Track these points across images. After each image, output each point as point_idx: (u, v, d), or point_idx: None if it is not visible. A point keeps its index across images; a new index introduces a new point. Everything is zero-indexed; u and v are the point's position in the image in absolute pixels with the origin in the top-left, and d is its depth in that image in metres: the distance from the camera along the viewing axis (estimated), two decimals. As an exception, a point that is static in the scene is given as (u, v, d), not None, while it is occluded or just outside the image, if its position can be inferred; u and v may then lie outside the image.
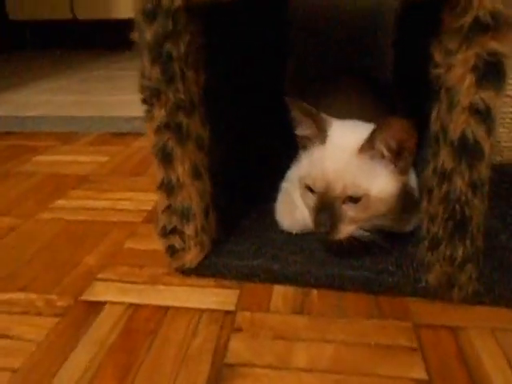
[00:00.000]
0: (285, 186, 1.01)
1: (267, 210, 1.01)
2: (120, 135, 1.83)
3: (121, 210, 1.20)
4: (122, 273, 0.92)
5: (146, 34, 0.73)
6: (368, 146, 0.77)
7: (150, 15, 0.72)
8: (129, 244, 1.04)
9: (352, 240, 0.80)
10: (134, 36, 0.75)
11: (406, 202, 0.82)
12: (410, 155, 0.76)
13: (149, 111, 0.78)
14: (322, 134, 0.80)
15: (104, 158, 1.60)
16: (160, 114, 0.76)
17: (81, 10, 3.87)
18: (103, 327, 0.74)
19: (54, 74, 3.10)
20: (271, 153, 1.24)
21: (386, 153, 0.76)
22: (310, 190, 0.80)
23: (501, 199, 1.03)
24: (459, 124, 0.65)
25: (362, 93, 1.10)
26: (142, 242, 1.04)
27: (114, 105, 2.29)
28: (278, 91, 1.41)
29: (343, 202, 0.77)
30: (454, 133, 0.68)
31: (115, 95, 2.51)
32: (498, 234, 0.91)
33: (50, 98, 2.50)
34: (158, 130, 0.79)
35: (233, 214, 1.01)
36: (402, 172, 0.78)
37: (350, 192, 0.76)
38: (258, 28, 1.30)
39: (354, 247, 0.82)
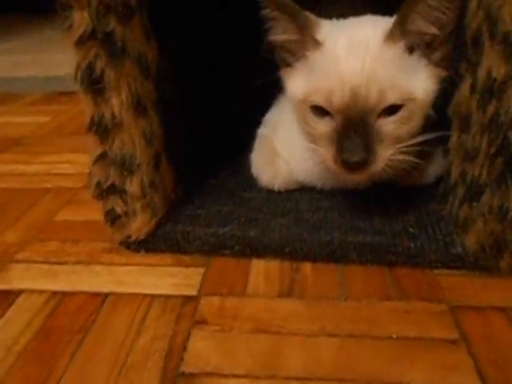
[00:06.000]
0: (262, 131, 0.81)
1: (242, 164, 0.82)
2: (68, 94, 1.66)
3: (58, 175, 1.02)
4: (50, 251, 0.73)
5: None
6: (398, 31, 0.57)
7: None
8: (63, 215, 0.85)
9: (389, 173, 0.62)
10: None
11: (425, 128, 0.62)
12: (449, 36, 0.57)
13: (67, 17, 0.58)
14: (311, 35, 0.59)
15: (45, 118, 1.43)
16: (81, 18, 0.58)
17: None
18: (13, 325, 0.59)
19: (5, 36, 2.94)
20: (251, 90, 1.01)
21: (425, 29, 0.56)
22: (320, 113, 0.60)
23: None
24: (517, 8, 0.49)
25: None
26: (80, 211, 0.85)
27: (64, 63, 2.09)
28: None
29: (378, 116, 0.57)
30: (510, 21, 0.49)
31: (66, 53, 2.31)
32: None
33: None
34: (81, 43, 0.59)
35: (197, 168, 0.81)
36: (440, 64, 0.60)
37: (390, 98, 0.56)
38: None
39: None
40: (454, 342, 0.51)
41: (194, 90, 0.85)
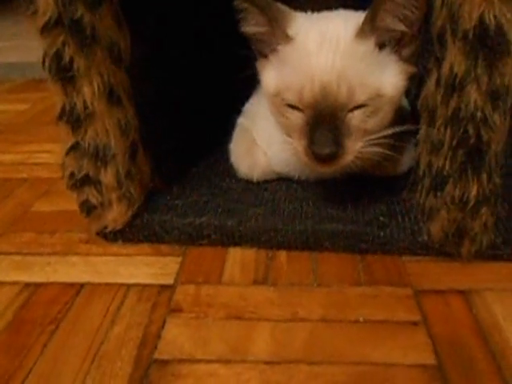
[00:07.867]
0: (241, 121, 0.82)
1: (221, 155, 0.83)
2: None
3: (35, 165, 1.01)
4: (24, 242, 0.73)
5: None
6: (369, 28, 0.58)
7: None
8: (39, 206, 0.85)
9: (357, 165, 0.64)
10: None
11: (397, 121, 0.64)
12: (417, 32, 0.59)
13: (31, 1, 0.56)
14: (282, 29, 0.60)
15: (24, 106, 1.40)
16: (46, 4, 0.56)
17: None
18: (-16, 318, 0.58)
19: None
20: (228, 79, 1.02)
21: (394, 26, 0.58)
22: (292, 106, 0.61)
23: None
24: (476, 5, 0.50)
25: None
26: (57, 202, 0.85)
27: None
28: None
29: (349, 111, 0.59)
30: (469, 19, 0.51)
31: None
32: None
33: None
34: (47, 30, 0.58)
35: (175, 159, 0.82)
36: (409, 60, 0.62)
37: (359, 97, 0.58)
38: None
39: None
40: (415, 323, 0.54)
41: (173, 80, 0.85)
